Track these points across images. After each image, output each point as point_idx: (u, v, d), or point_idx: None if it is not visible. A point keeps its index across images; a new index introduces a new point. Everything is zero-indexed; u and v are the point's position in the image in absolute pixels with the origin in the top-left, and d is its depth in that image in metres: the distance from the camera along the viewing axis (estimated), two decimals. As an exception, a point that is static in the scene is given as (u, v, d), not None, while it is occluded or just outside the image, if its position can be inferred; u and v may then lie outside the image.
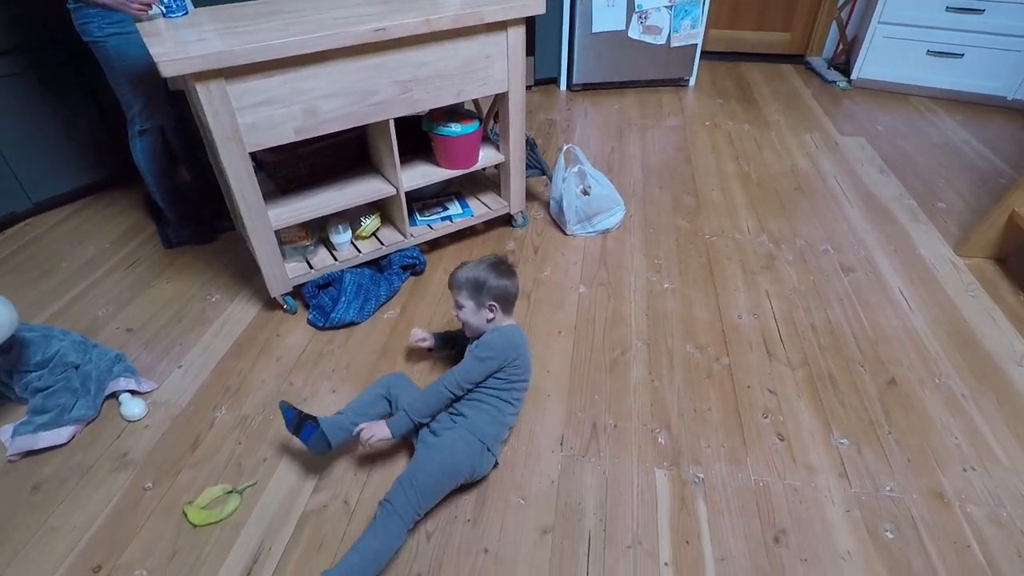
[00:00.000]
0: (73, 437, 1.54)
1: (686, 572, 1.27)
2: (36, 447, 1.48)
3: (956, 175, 2.76)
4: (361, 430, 1.37)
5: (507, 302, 1.49)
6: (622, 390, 1.68)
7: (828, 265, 2.17)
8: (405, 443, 1.51)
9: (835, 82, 3.81)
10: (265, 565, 1.28)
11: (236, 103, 1.49)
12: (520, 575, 1.26)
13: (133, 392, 1.64)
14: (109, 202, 2.58)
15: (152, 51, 1.42)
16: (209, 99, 1.45)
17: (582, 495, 1.42)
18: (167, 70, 1.36)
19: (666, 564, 1.28)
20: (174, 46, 1.45)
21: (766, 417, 1.61)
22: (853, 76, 3.73)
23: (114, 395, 1.64)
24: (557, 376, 1.72)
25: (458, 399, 1.42)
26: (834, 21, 3.94)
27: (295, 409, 1.41)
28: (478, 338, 1.49)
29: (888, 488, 1.43)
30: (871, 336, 1.86)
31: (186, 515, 1.36)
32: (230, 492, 1.40)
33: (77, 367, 1.61)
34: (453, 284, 1.51)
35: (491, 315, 1.47)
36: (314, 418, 1.39)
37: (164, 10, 1.70)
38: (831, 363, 1.77)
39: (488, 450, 1.39)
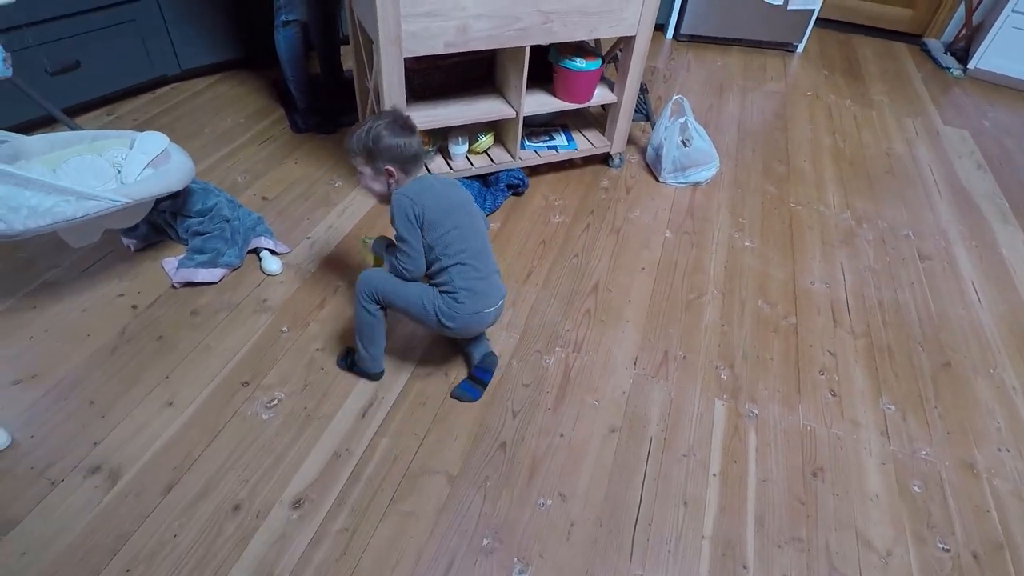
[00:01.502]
0: (223, 278, 1.81)
1: (731, 484, 1.47)
2: (195, 279, 1.76)
3: (1056, 185, 2.74)
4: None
5: (407, 163, 1.34)
6: (694, 328, 1.85)
7: (906, 249, 2.25)
8: (494, 339, 1.73)
9: (949, 68, 3.70)
10: (379, 409, 1.53)
11: (404, 11, 1.64)
12: (589, 458, 1.49)
13: (271, 252, 1.89)
14: (240, 81, 2.79)
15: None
16: (383, 3, 1.60)
17: (648, 408, 1.62)
18: (353, -31, 1.51)
19: (714, 475, 1.49)
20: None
21: (822, 374, 1.76)
22: (970, 65, 3.61)
23: (255, 251, 1.89)
24: (637, 306, 1.90)
25: (403, 277, 1.40)
26: (963, 3, 3.77)
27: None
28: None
29: (924, 452, 1.59)
30: (936, 321, 1.97)
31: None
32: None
33: (228, 220, 1.86)
34: (347, 149, 1.37)
35: (391, 180, 1.35)
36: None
37: None
38: (892, 338, 1.89)
39: (438, 319, 1.38)
